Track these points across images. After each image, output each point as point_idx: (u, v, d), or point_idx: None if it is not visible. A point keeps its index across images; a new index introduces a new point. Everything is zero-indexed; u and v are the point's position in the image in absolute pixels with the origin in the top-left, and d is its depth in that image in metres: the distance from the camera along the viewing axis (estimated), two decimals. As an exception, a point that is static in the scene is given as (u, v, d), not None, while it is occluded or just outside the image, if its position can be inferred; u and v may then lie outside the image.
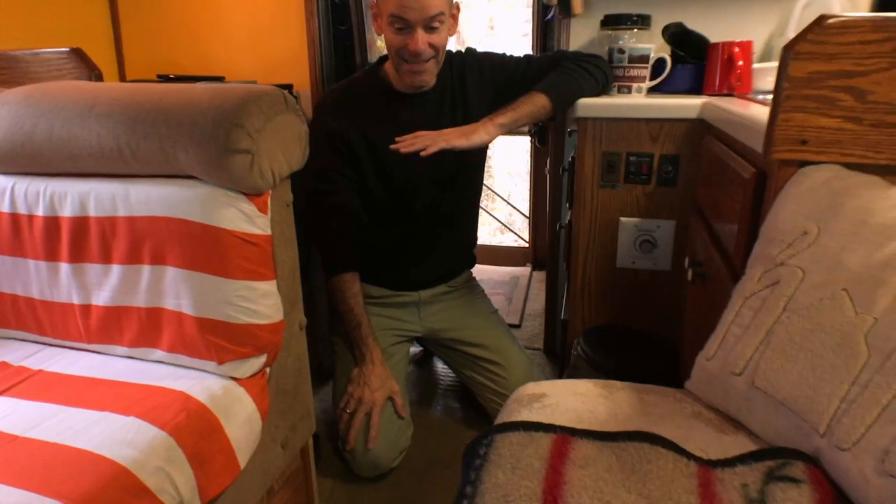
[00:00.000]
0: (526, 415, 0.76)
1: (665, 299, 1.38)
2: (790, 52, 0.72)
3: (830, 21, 0.70)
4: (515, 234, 3.18)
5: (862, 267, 0.62)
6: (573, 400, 0.79)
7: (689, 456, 0.64)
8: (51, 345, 1.03)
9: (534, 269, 2.78)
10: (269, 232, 0.91)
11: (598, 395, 0.81)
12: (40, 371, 0.94)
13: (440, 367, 1.92)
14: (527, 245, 2.92)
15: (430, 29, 1.21)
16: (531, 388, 0.85)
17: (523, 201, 3.28)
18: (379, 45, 2.81)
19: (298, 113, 0.94)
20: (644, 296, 1.40)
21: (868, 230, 0.64)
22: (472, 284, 1.63)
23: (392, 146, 1.21)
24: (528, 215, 2.87)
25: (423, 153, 1.19)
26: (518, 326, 2.18)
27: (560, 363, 1.76)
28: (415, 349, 1.76)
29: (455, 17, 1.30)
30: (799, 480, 0.58)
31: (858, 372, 0.58)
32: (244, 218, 0.86)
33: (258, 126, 0.84)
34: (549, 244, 1.90)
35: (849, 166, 0.73)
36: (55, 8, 1.51)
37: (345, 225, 1.40)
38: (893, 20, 0.68)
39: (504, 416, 0.80)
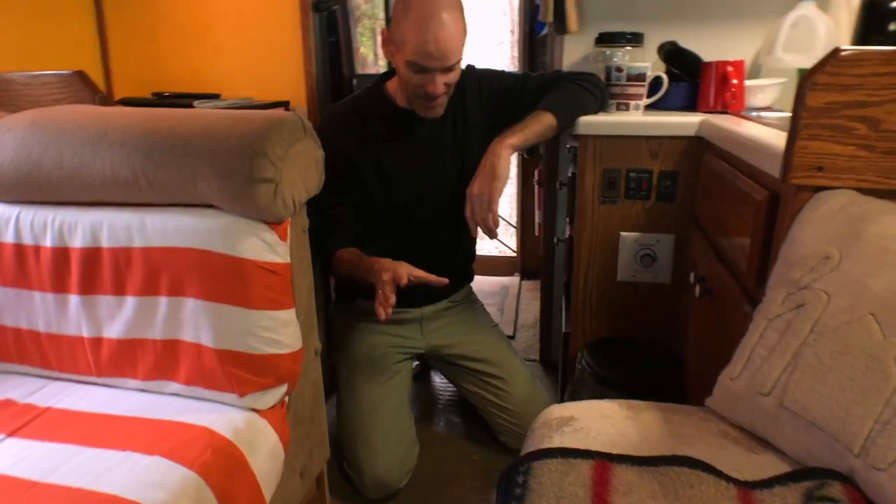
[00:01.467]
0: (559, 440, 0.77)
1: (665, 311, 1.41)
2: (808, 83, 0.74)
3: (844, 53, 0.73)
4: (502, 242, 3.19)
5: (887, 292, 0.65)
6: (602, 423, 0.80)
7: (728, 478, 0.66)
8: (56, 379, 0.99)
9: (522, 278, 2.80)
10: (288, 260, 0.90)
11: (626, 416, 0.82)
12: (49, 408, 0.90)
13: (438, 380, 1.92)
14: (514, 255, 2.94)
15: (447, 70, 1.23)
16: (557, 410, 0.86)
17: (503, 211, 3.30)
18: (362, 52, 2.77)
19: (315, 138, 0.93)
20: (644, 308, 1.42)
21: (891, 257, 0.66)
22: (473, 299, 1.64)
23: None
24: (515, 225, 2.89)
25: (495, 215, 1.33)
26: (512, 338, 2.20)
27: (560, 375, 1.78)
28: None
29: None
30: (838, 500, 0.60)
31: (890, 394, 0.61)
32: (266, 247, 0.85)
33: (280, 154, 0.83)
34: (544, 257, 1.92)
35: (862, 191, 0.76)
36: (41, 24, 1.46)
37: (342, 238, 1.40)
38: (904, 54, 0.71)
39: (536, 442, 0.80)
